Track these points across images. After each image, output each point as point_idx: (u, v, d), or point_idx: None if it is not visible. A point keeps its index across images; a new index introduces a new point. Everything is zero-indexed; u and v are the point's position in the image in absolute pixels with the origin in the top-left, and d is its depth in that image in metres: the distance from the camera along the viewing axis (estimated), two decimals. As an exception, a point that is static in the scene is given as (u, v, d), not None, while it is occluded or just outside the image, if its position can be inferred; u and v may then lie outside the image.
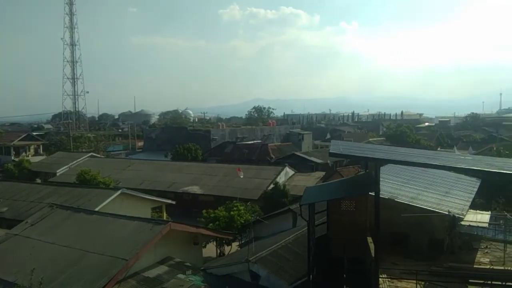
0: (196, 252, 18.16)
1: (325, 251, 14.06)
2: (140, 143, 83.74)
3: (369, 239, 13.97)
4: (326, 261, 13.72)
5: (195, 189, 37.25)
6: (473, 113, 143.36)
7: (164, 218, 25.31)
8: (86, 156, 49.56)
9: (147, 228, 15.59)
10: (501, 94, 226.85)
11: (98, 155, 54.97)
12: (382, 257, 13.00)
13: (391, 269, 13.42)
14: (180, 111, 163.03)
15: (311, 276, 13.42)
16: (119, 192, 24.41)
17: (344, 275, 12.31)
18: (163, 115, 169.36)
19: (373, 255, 12.84)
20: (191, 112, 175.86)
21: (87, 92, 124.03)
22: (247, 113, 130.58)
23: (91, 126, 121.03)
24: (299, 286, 14.10)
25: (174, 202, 28.19)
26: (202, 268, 15.82)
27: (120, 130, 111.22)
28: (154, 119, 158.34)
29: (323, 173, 39.56)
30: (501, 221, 17.90)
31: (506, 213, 17.66)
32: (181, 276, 14.58)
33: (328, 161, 46.16)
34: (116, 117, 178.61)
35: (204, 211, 24.66)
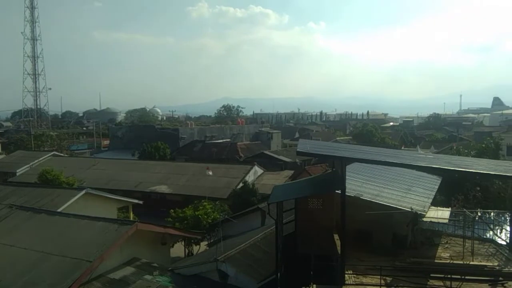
0: (164, 252, 17.92)
1: (293, 249, 14.20)
2: (106, 142, 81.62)
3: (336, 236, 14.25)
4: (294, 259, 13.87)
5: (163, 189, 36.74)
6: (435, 113, 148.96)
7: (131, 218, 24.79)
8: (48, 155, 47.77)
9: (112, 229, 15.23)
10: (461, 95, 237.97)
11: (61, 154, 53.23)
12: (348, 253, 13.30)
13: (356, 265, 13.74)
14: (148, 109, 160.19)
15: (279, 274, 13.54)
16: (83, 192, 23.69)
17: (312, 272, 12.49)
18: (130, 113, 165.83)
19: (339, 251, 13.12)
20: (159, 110, 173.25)
21: (49, 89, 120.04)
22: (216, 111, 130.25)
23: (53, 124, 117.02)
24: (268, 284, 14.19)
25: (141, 202, 27.65)
26: (169, 268, 15.64)
27: (84, 128, 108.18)
28: (120, 117, 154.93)
29: (292, 171, 39.96)
30: (460, 217, 18.69)
31: (464, 210, 18.43)
32: (148, 277, 14.36)
33: (297, 160, 46.65)
34: (81, 115, 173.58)
35: (172, 210, 24.38)
